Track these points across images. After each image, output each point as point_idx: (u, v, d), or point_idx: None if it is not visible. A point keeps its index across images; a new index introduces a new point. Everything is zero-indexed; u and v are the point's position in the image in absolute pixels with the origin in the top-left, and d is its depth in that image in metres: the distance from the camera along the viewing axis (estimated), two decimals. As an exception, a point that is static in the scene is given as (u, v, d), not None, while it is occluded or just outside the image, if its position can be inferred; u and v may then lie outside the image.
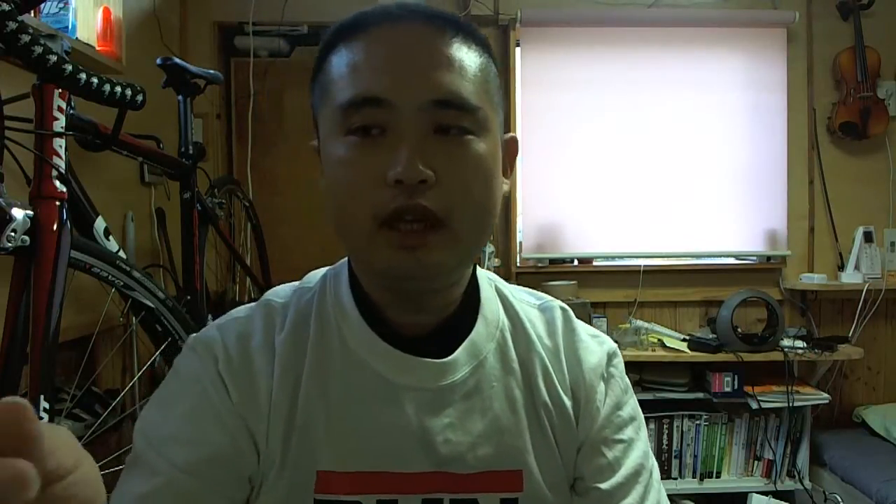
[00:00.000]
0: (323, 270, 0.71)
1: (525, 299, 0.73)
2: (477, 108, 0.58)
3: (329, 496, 0.60)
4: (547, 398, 0.66)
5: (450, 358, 0.64)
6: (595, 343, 0.71)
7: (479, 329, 0.66)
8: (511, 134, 0.68)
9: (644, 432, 0.70)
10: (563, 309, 0.72)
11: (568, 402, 0.66)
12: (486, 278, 0.71)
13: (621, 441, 0.67)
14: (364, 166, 0.56)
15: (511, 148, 0.68)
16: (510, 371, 0.66)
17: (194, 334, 0.66)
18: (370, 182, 0.56)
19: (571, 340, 0.70)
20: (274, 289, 0.70)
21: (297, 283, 0.71)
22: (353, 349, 0.63)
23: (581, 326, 0.72)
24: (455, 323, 0.66)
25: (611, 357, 0.71)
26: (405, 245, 0.56)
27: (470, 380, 0.64)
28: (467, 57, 0.59)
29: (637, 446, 0.67)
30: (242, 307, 0.68)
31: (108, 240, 1.48)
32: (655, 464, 0.69)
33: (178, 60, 1.88)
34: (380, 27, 0.59)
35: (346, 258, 0.69)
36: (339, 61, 0.60)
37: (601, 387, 0.68)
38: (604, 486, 0.64)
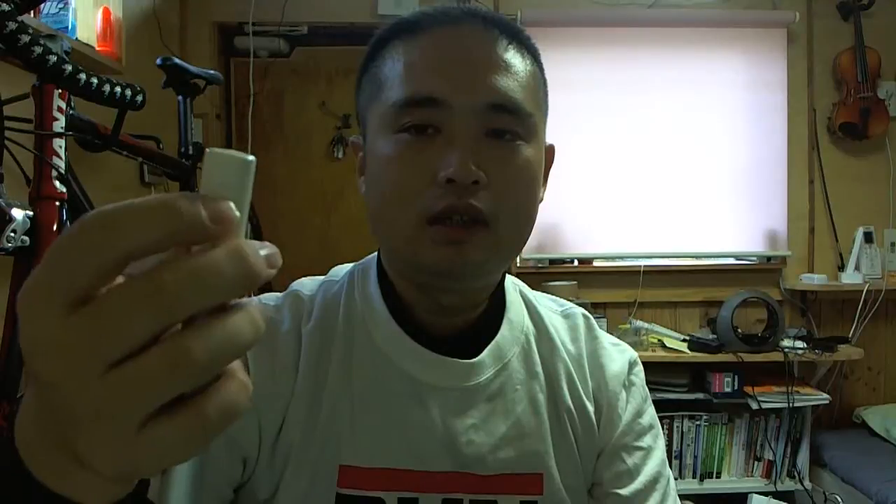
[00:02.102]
0: (349, 265, 0.71)
1: (549, 305, 0.74)
2: (530, 115, 0.59)
3: (351, 491, 0.60)
4: (570, 403, 0.67)
5: (476, 359, 0.64)
6: (616, 351, 0.72)
7: (504, 332, 0.67)
8: (550, 143, 0.67)
9: (662, 441, 0.71)
10: (585, 316, 0.73)
11: (590, 408, 0.67)
12: (512, 283, 0.72)
13: (641, 448, 0.67)
14: (414, 164, 0.57)
15: (549, 156, 0.68)
16: (534, 375, 0.67)
17: None
18: (420, 180, 0.56)
19: (594, 347, 0.71)
20: (299, 280, 0.70)
21: (322, 276, 0.71)
22: (380, 345, 0.64)
23: (602, 334, 0.73)
24: (481, 325, 0.66)
25: (632, 365, 0.72)
26: (451, 240, 0.56)
27: (494, 382, 0.64)
28: (521, 64, 0.60)
29: (655, 454, 0.68)
30: (270, 294, 0.68)
31: (108, 240, 1.48)
32: (671, 474, 0.70)
33: (177, 61, 1.88)
34: (439, 28, 0.60)
35: (373, 254, 0.69)
36: (395, 59, 0.60)
37: (623, 394, 0.69)
38: (623, 491, 0.65)
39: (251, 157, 0.27)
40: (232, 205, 0.26)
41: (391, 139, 0.58)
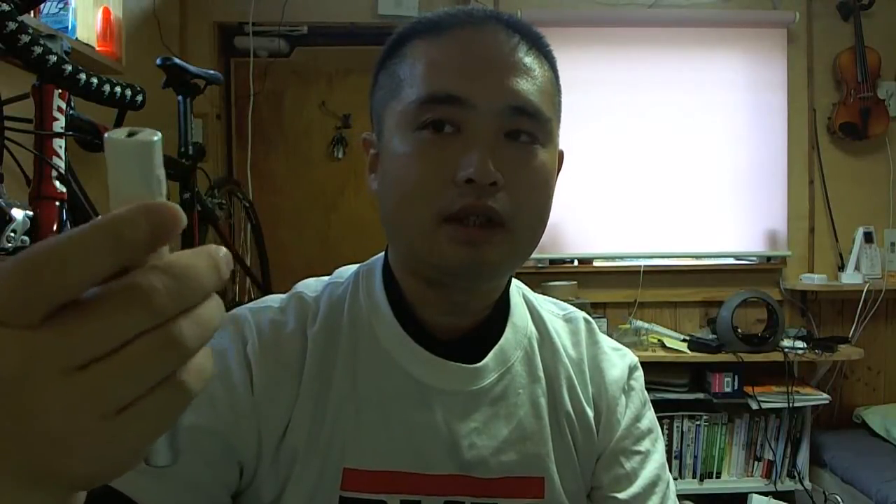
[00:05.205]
0: (354, 266, 0.71)
1: (551, 309, 0.74)
2: (548, 119, 0.60)
3: (354, 493, 0.60)
4: (570, 408, 0.67)
5: (480, 363, 0.64)
6: (617, 356, 0.72)
7: (507, 336, 0.67)
8: (560, 148, 0.68)
9: (661, 445, 0.71)
10: (586, 320, 0.74)
11: (590, 413, 0.67)
12: (515, 286, 0.72)
13: (639, 452, 0.68)
14: (433, 162, 0.57)
15: (559, 161, 0.68)
16: (536, 379, 0.67)
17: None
18: (438, 179, 0.56)
19: (595, 352, 0.71)
20: (304, 281, 0.70)
21: (326, 277, 0.71)
22: (385, 348, 0.63)
23: (603, 339, 0.73)
24: (486, 328, 0.66)
25: (632, 370, 0.72)
26: (469, 240, 0.56)
27: (497, 386, 0.64)
28: (540, 69, 0.61)
29: (654, 458, 0.68)
30: (275, 296, 0.68)
31: (108, 240, 1.48)
32: (671, 478, 0.70)
33: (177, 61, 1.88)
34: (462, 29, 0.60)
35: (378, 255, 0.69)
36: (416, 57, 0.60)
37: (622, 399, 0.69)
38: (621, 495, 0.65)
39: (154, 138, 0.27)
40: (174, 207, 0.26)
41: (410, 137, 0.58)
